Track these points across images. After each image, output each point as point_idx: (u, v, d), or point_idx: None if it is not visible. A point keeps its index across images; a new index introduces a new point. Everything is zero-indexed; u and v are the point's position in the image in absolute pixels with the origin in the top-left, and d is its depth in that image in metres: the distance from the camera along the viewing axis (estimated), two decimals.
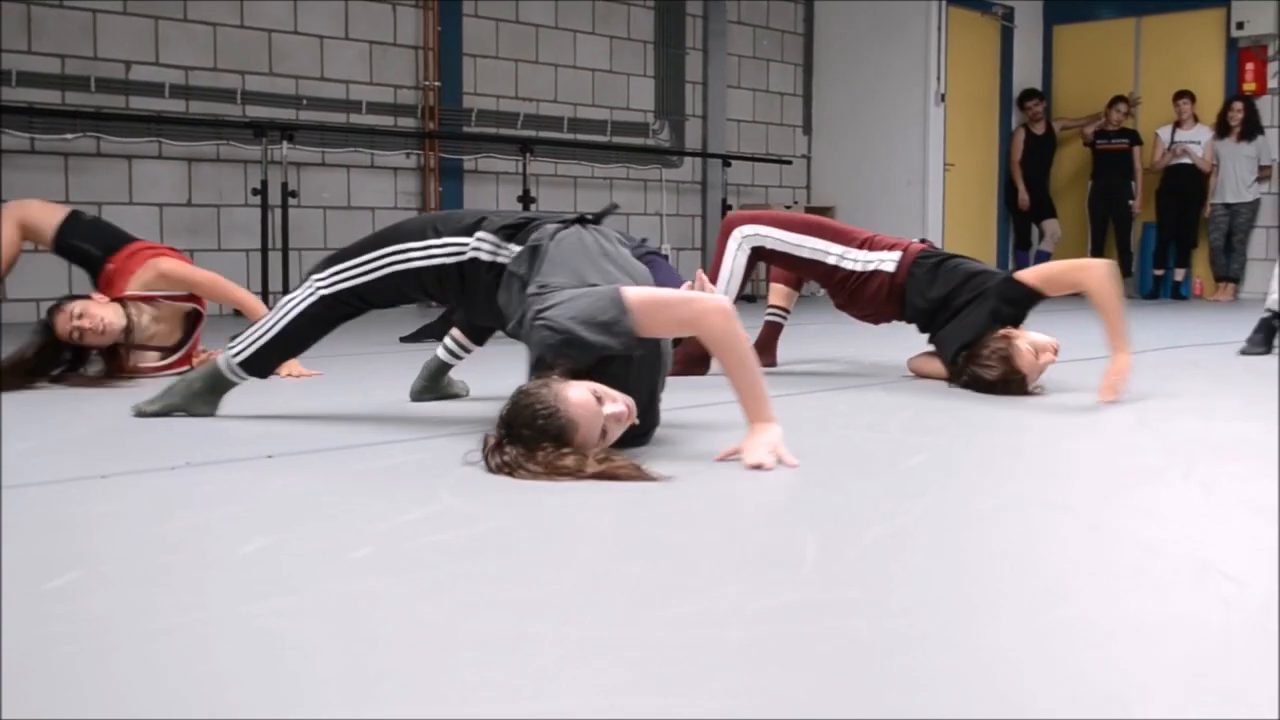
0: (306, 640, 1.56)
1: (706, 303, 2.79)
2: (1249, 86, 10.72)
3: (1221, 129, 10.54)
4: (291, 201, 7.55)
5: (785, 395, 4.03)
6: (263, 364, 3.40)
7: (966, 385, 4.10)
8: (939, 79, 10.65)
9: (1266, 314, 5.60)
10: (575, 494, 2.44)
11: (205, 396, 3.44)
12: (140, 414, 3.42)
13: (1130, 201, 11.00)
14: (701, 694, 1.38)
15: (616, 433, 2.67)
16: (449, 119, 8.70)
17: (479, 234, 3.16)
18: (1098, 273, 4.10)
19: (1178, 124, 10.79)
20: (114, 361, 4.31)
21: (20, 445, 2.96)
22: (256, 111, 7.78)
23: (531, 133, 9.10)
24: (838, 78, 11.14)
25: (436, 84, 8.61)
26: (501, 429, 2.62)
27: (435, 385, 3.90)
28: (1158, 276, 10.92)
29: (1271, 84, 10.70)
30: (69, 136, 7.13)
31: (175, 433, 3.18)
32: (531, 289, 2.92)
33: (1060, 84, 11.91)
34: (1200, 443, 3.25)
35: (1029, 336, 4.10)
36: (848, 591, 1.80)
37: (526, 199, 8.65)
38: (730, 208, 10.18)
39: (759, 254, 4.66)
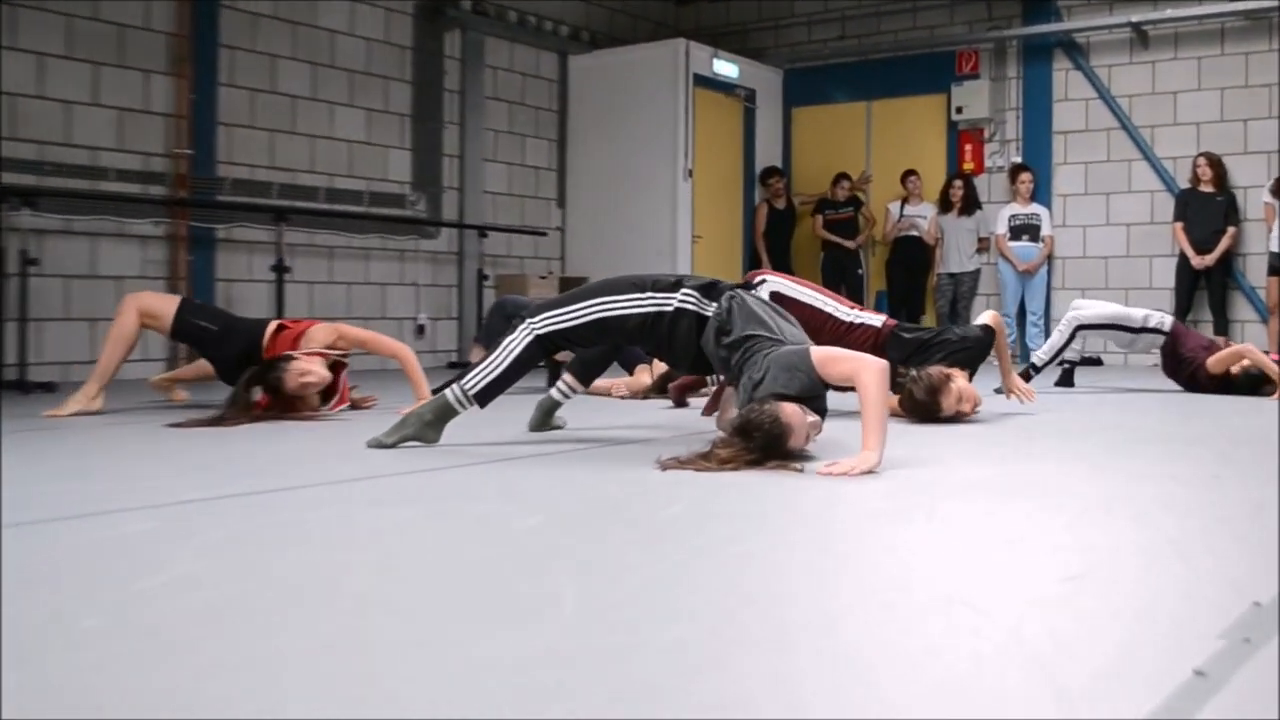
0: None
1: (866, 360, 3.65)
2: (968, 166, 11.30)
3: (944, 204, 11.04)
4: (31, 270, 7.10)
5: (546, 454, 3.97)
6: (489, 396, 4.06)
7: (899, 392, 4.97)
8: (687, 156, 10.86)
9: (1064, 364, 7.23)
10: (312, 552, 2.32)
11: (435, 425, 4.05)
12: (379, 445, 3.97)
13: (859, 271, 11.42)
14: None
15: (815, 436, 3.72)
16: (201, 188, 8.37)
17: (684, 290, 3.94)
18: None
19: (905, 199, 11.27)
20: (289, 405, 5.08)
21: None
22: None
23: (287, 202, 8.85)
24: (591, 153, 11.25)
25: (189, 152, 8.28)
26: (737, 436, 3.48)
27: (547, 420, 4.64)
28: None
29: (987, 163, 11.30)
30: None
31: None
32: (735, 337, 3.84)
33: (799, 162, 12.30)
34: (938, 486, 3.32)
35: (963, 383, 5.10)
36: (612, 637, 1.73)
37: (281, 269, 8.37)
38: (486, 278, 10.13)
39: (777, 298, 5.16)
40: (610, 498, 3.13)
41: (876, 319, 5.59)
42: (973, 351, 5.50)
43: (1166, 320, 7.23)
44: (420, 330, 9.96)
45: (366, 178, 9.57)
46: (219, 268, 8.54)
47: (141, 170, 8.11)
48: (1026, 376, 6.93)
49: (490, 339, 6.60)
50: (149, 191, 8.14)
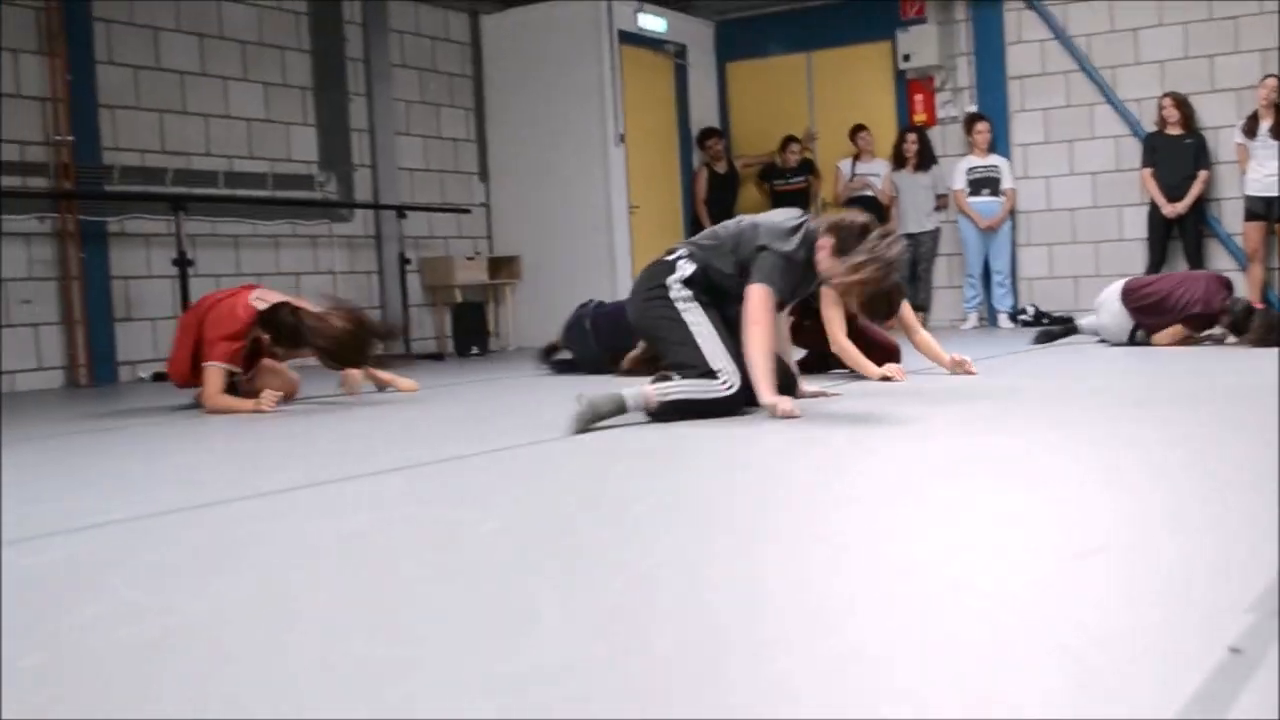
0: None
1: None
2: (920, 118, 11.39)
3: (898, 160, 11.13)
4: None
5: (502, 449, 3.97)
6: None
7: None
8: (616, 120, 10.85)
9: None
10: (258, 571, 2.31)
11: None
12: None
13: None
14: None
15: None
16: (87, 177, 8.25)
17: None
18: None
19: (857, 157, 11.34)
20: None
21: None
22: None
23: (183, 189, 8.74)
24: (512, 121, 11.20)
25: (70, 139, 8.15)
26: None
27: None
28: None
29: (940, 114, 11.39)
30: None
31: None
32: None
33: (738, 121, 12.34)
34: (923, 463, 3.36)
35: None
36: (596, 647, 1.74)
37: (183, 261, 8.26)
38: (408, 262, 10.07)
39: None
40: (576, 493, 3.14)
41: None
42: None
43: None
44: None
45: (269, 158, 9.48)
46: (114, 264, 8.42)
47: (19, 161, 7.98)
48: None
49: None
50: (28, 184, 8.01)
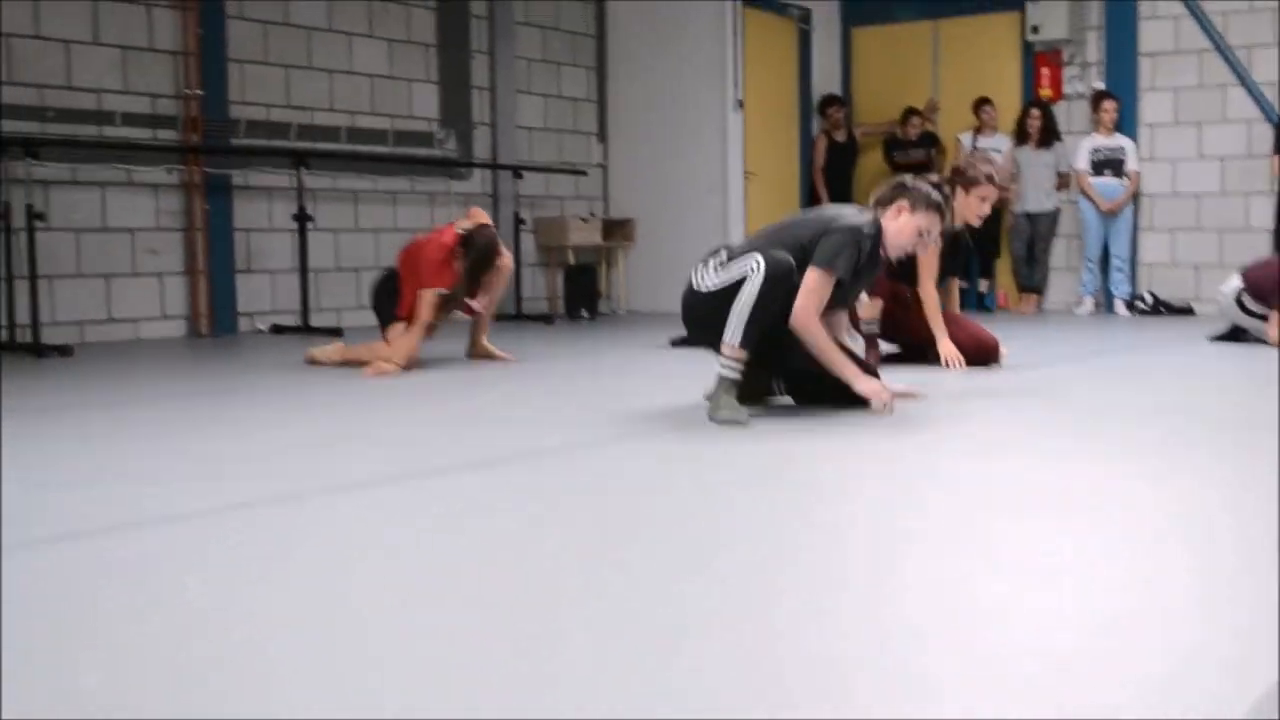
0: None
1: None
2: (1045, 92, 11.17)
3: (1020, 136, 10.95)
4: (39, 224, 7.24)
5: (564, 450, 4.04)
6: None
7: None
8: (736, 84, 10.81)
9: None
10: (311, 579, 2.41)
11: (732, 404, 4.39)
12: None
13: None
14: None
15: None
16: (214, 131, 8.47)
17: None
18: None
19: (979, 130, 11.17)
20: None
21: None
22: None
23: (306, 144, 8.94)
24: (632, 82, 11.22)
25: (199, 93, 8.37)
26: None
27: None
28: (962, 289, 11.28)
29: (1066, 90, 11.17)
30: None
31: None
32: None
33: (860, 88, 12.22)
34: (991, 490, 3.35)
35: None
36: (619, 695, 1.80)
37: (303, 216, 8.48)
38: (523, 222, 10.18)
39: None
40: (635, 504, 3.20)
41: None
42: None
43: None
44: None
45: (390, 115, 9.63)
46: (237, 216, 8.65)
47: (150, 114, 8.22)
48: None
49: None
50: (158, 137, 8.25)
